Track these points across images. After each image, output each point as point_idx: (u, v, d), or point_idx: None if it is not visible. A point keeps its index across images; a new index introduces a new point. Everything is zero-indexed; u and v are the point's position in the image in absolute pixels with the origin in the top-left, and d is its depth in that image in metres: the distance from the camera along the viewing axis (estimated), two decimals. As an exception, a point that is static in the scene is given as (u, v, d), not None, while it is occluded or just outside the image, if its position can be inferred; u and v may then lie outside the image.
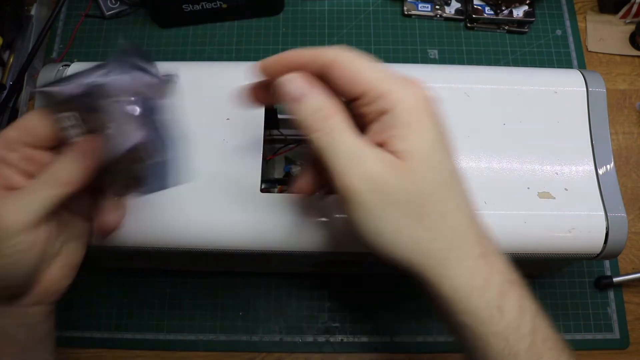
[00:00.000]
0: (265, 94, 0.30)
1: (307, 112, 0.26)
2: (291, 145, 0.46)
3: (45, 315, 0.32)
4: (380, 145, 0.26)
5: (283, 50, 0.59)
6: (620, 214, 0.36)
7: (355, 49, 0.27)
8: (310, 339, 0.50)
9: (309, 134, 0.26)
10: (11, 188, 0.28)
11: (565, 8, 0.63)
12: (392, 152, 0.25)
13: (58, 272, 0.32)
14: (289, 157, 0.47)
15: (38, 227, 0.28)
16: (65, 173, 0.28)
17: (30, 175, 0.29)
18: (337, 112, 0.26)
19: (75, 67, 0.41)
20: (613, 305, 0.51)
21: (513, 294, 0.26)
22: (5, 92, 0.54)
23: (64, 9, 0.62)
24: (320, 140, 0.26)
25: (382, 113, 0.25)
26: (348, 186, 0.25)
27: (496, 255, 0.27)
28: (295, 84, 0.26)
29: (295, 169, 0.45)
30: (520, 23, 0.60)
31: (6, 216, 0.27)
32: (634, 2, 0.59)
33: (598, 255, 0.36)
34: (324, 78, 0.27)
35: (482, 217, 0.28)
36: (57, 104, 0.27)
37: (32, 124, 0.28)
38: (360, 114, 0.26)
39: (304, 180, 0.30)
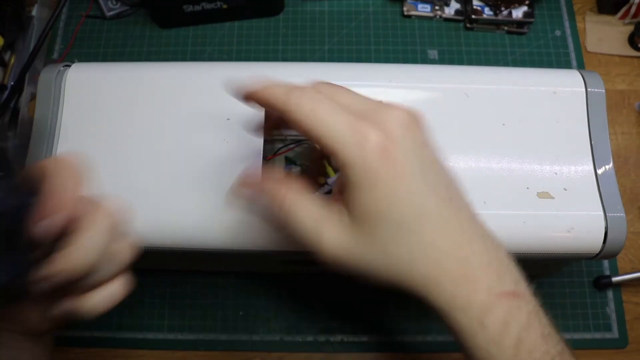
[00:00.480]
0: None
1: (267, 200, 0.29)
2: (291, 145, 0.47)
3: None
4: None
5: (283, 50, 0.60)
6: (619, 213, 0.36)
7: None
8: (310, 338, 0.50)
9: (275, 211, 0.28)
10: None
11: (564, 9, 0.63)
12: (350, 214, 0.27)
13: None
14: (289, 157, 0.47)
15: None
16: None
17: None
18: (287, 192, 0.28)
19: (76, 67, 0.41)
20: (612, 304, 0.52)
21: (498, 308, 0.27)
22: (6, 93, 0.54)
23: (64, 10, 0.62)
24: (285, 221, 0.28)
25: (337, 169, 0.27)
26: (324, 256, 0.28)
27: (483, 271, 0.28)
28: (244, 192, 0.30)
29: (295, 169, 0.45)
30: (519, 24, 0.61)
31: None
32: (633, 3, 0.59)
33: (597, 255, 0.37)
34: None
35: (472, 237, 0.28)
36: None
37: None
38: None
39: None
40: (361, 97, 0.29)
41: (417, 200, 0.27)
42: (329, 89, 0.28)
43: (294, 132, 0.47)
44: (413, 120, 0.28)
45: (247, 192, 0.29)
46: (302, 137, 0.46)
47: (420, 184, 0.27)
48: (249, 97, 0.29)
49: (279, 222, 0.28)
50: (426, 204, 0.27)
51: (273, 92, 0.27)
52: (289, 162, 0.47)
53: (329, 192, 0.38)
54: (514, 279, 0.28)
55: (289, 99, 0.27)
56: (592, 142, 0.38)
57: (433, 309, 0.28)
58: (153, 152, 0.38)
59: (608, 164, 0.38)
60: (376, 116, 0.27)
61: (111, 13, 0.61)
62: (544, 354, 0.27)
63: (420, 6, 0.62)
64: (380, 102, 0.28)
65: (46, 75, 0.40)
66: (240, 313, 0.51)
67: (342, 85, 0.29)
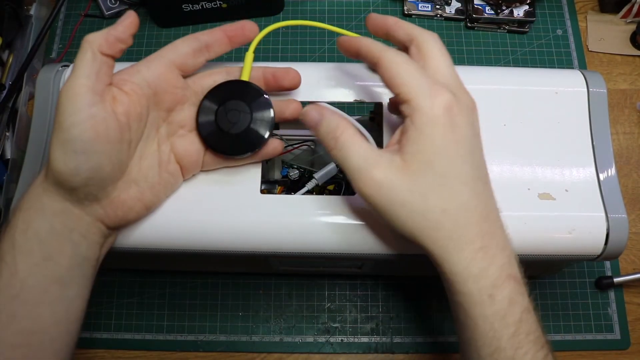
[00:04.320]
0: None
1: (322, 135, 0.32)
2: (289, 148, 0.46)
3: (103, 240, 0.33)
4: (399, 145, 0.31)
5: (283, 50, 0.60)
6: (621, 214, 0.36)
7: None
8: (310, 339, 0.50)
9: (329, 152, 0.32)
10: None
11: (565, 8, 0.63)
12: (402, 154, 0.30)
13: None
14: (285, 161, 0.47)
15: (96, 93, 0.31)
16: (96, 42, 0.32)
17: None
18: (345, 129, 0.31)
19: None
20: (614, 305, 0.51)
21: (507, 286, 0.30)
22: (4, 92, 0.54)
23: (63, 9, 0.62)
24: (336, 156, 0.31)
25: (406, 116, 0.30)
26: (360, 192, 0.30)
27: (499, 251, 0.30)
28: (311, 114, 0.33)
29: (292, 173, 0.45)
30: (520, 23, 0.60)
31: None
32: (635, 2, 0.59)
33: (599, 256, 0.36)
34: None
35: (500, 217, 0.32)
36: None
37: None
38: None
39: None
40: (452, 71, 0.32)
41: (461, 165, 0.30)
42: (398, 54, 0.32)
43: (293, 133, 0.46)
44: (476, 109, 0.32)
45: (314, 114, 0.33)
46: (302, 138, 0.46)
47: (468, 153, 0.30)
48: (350, 46, 0.34)
49: (331, 150, 0.32)
50: (467, 172, 0.30)
51: (371, 43, 0.32)
52: (286, 166, 0.46)
53: None
54: (519, 269, 0.31)
55: (386, 52, 0.31)
56: (594, 143, 0.38)
57: (442, 272, 0.31)
58: (152, 152, 0.37)
59: (610, 164, 0.37)
60: (453, 89, 0.30)
61: (110, 12, 0.61)
62: (537, 338, 0.30)
63: (421, 5, 0.61)
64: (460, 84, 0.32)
65: (44, 74, 0.40)
66: (240, 313, 0.51)
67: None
